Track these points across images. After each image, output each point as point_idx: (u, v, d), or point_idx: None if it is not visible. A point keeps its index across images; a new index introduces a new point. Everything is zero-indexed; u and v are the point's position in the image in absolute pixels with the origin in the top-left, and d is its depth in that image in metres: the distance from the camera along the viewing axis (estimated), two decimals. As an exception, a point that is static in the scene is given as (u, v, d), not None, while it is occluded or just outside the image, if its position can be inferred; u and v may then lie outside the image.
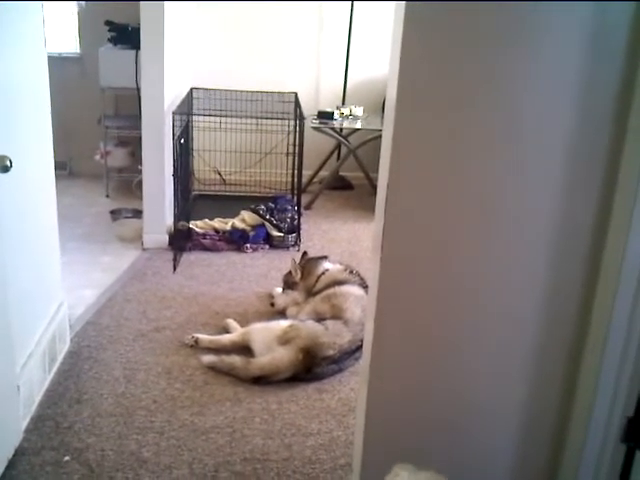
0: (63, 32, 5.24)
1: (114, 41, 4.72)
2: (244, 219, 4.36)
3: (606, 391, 1.69)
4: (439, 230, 1.70)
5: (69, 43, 5.25)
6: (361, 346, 2.19)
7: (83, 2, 5.09)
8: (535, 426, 1.87)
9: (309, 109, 4.98)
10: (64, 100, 4.06)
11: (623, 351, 1.64)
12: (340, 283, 3.22)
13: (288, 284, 3.46)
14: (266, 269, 3.95)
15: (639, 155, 1.55)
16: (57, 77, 3.03)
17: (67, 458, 2.29)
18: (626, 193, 1.60)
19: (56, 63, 3.34)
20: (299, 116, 4.40)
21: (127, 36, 4.62)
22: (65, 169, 5.30)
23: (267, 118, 4.53)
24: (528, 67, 1.57)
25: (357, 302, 3.05)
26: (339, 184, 5.49)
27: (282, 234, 4.29)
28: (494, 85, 1.59)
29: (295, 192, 4.61)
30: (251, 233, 4.27)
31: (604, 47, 1.55)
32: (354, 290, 3.16)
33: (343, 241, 4.47)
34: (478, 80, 1.59)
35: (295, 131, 4.40)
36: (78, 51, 5.24)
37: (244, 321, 3.20)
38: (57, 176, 2.84)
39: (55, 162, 2.80)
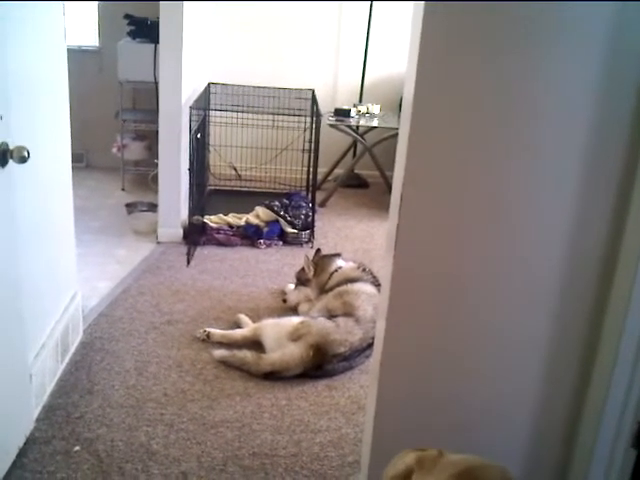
0: (83, 25, 5.27)
1: (133, 35, 4.75)
2: (258, 215, 4.36)
3: (617, 395, 1.68)
4: (453, 230, 1.70)
5: (89, 36, 5.28)
6: (372, 344, 2.19)
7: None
8: (545, 430, 1.87)
9: (326, 106, 4.98)
10: (82, 93, 4.10)
11: (635, 355, 1.63)
12: (352, 281, 3.22)
13: (301, 281, 3.47)
14: (279, 265, 3.95)
15: None
16: (76, 70, 3.05)
17: (77, 448, 2.30)
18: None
19: (75, 56, 3.37)
20: (316, 113, 4.40)
21: (146, 30, 4.64)
22: (82, 161, 5.34)
23: (284, 114, 4.53)
24: (547, 67, 1.56)
25: (369, 300, 3.05)
26: (354, 182, 5.48)
27: (296, 231, 4.30)
28: (512, 85, 1.58)
29: (310, 189, 4.61)
30: (265, 229, 4.27)
31: (624, 47, 1.54)
32: (366, 288, 3.16)
33: (357, 239, 4.47)
34: (496, 80, 1.58)
35: (311, 128, 4.41)
36: (97, 44, 5.28)
37: (256, 316, 3.21)
38: (74, 168, 2.86)
39: (72, 154, 2.82)
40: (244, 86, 4.77)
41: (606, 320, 1.72)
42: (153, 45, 4.42)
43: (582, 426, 1.82)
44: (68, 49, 2.68)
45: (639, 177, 1.60)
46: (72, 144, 2.80)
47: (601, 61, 1.55)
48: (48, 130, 2.55)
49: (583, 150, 1.61)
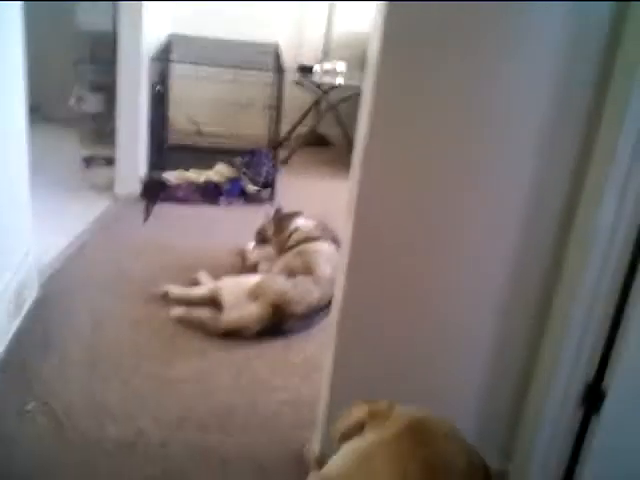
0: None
1: (91, -19, 4.58)
2: (219, 172, 4.31)
3: (568, 357, 1.73)
4: (413, 191, 1.71)
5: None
6: (330, 304, 2.20)
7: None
8: (496, 390, 1.91)
9: (290, 60, 4.89)
10: (39, 42, 3.94)
11: (586, 319, 1.67)
12: (312, 240, 3.22)
13: (261, 239, 3.45)
14: (239, 223, 3.92)
15: (609, 156, 1.56)
16: (32, 17, 2.92)
17: (31, 405, 2.28)
18: (594, 193, 1.62)
19: (31, 3, 3.23)
20: (279, 69, 4.33)
21: (105, -23, 4.48)
22: (37, 112, 5.17)
23: (247, 69, 4.44)
24: (508, 62, 1.56)
25: (328, 259, 3.05)
26: (317, 140, 5.44)
27: (257, 188, 4.26)
28: (480, 47, 1.57)
29: (272, 146, 4.56)
30: (226, 186, 4.23)
31: (582, 47, 1.56)
32: (326, 247, 3.16)
33: (318, 197, 4.44)
34: (465, 41, 1.57)
35: (274, 84, 4.34)
36: (54, -10, 5.08)
37: (215, 275, 3.18)
38: (30, 120, 2.76)
39: (29, 106, 2.72)
40: (207, 38, 4.66)
41: (560, 287, 1.76)
42: (112, -7, 4.27)
43: (534, 385, 1.87)
44: (22, -4, 2.58)
45: (590, 176, 1.63)
46: (28, 96, 2.71)
47: (559, 60, 1.57)
48: (2, 81, 2.45)
49: (540, 139, 1.64)
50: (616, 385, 1.66)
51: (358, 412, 1.35)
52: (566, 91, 1.59)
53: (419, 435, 1.24)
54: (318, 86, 5.12)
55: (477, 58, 1.58)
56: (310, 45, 5.37)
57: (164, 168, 4.28)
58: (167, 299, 2.99)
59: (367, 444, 1.25)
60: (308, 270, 3.01)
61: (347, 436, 1.31)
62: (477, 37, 1.56)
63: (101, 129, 4.95)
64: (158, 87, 3.96)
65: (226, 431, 2.27)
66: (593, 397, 1.71)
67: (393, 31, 1.56)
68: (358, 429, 1.31)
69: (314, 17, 5.31)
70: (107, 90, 4.83)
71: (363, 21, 5.15)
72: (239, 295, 2.89)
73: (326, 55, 5.34)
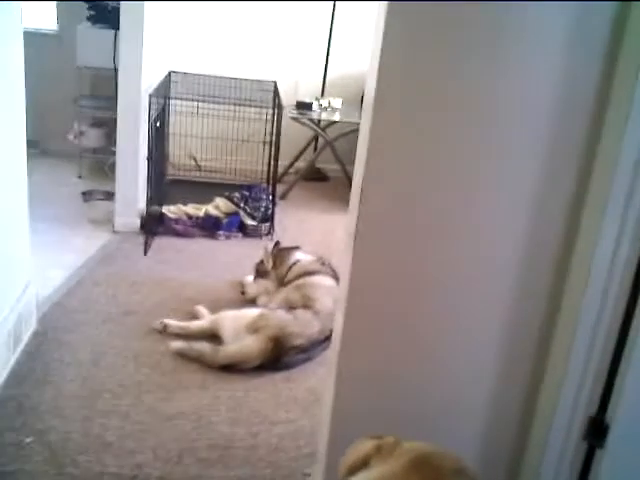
0: (41, 8, 5.15)
1: (93, 20, 4.66)
2: (218, 206, 4.33)
3: (570, 390, 1.72)
4: (412, 224, 1.71)
5: (47, 19, 5.17)
6: (330, 336, 2.20)
7: None
8: (500, 423, 1.90)
9: (288, 99, 4.96)
10: (39, 77, 3.99)
11: (588, 351, 1.67)
12: (311, 274, 3.23)
13: (260, 273, 3.46)
14: (238, 257, 3.93)
15: (611, 160, 1.57)
16: (33, 54, 2.97)
17: (29, 439, 2.26)
18: (597, 203, 1.62)
19: (33, 39, 3.29)
20: (277, 105, 4.38)
21: (106, 15, 4.56)
22: (37, 147, 5.21)
23: (245, 105, 4.50)
24: (509, 69, 1.58)
25: (328, 293, 3.06)
26: (315, 175, 5.48)
27: (256, 223, 4.28)
28: (474, 85, 1.59)
29: (270, 181, 4.59)
30: (224, 220, 4.25)
31: (584, 49, 1.56)
32: (325, 281, 3.17)
33: (316, 232, 4.47)
34: (458, 80, 1.59)
35: (273, 120, 4.39)
36: (56, 28, 5.16)
37: (214, 308, 3.18)
38: (29, 154, 2.79)
39: (27, 140, 2.75)
40: (206, 76, 4.72)
41: (561, 317, 1.76)
42: (113, 31, 4.34)
43: (536, 419, 1.86)
44: (25, 32, 2.62)
45: (594, 180, 1.64)
46: (27, 129, 2.74)
47: (562, 61, 1.57)
48: (2, 115, 2.48)
49: (542, 151, 1.64)
50: (620, 417, 1.65)
51: (364, 446, 1.34)
52: (568, 95, 1.59)
53: (427, 470, 1.22)
54: (317, 122, 5.18)
55: (473, 90, 1.60)
56: (308, 83, 5.45)
57: (163, 202, 4.30)
58: (166, 332, 2.98)
59: (373, 478, 1.24)
60: (307, 303, 3.02)
61: (353, 470, 1.30)
62: (473, 77, 1.59)
63: (100, 164, 4.99)
64: (157, 123, 4.00)
65: (226, 464, 2.25)
66: (597, 430, 1.70)
67: (389, 67, 1.58)
68: (364, 463, 1.31)
69: (311, 56, 5.40)
70: (107, 125, 4.89)
71: (358, 60, 5.24)
72: (239, 328, 2.89)
73: (323, 92, 5.41)
